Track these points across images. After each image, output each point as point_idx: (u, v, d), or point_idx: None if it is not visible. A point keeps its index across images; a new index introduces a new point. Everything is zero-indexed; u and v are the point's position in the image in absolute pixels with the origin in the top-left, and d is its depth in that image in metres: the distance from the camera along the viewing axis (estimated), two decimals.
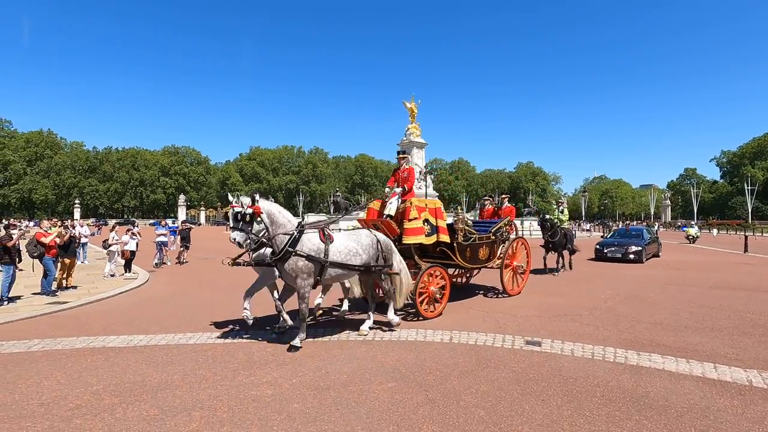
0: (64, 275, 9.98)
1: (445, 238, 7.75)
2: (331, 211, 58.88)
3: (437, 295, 7.29)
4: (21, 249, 9.21)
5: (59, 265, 9.76)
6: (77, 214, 69.85)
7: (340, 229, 7.64)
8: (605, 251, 16.87)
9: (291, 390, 4.25)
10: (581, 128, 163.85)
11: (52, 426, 3.50)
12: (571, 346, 5.67)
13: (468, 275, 10.37)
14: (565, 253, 13.40)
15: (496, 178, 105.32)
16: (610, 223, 62.11)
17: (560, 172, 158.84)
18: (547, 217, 13.64)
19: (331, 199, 63.28)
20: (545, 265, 12.77)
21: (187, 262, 16.01)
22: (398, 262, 6.66)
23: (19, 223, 21.92)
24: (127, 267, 12.52)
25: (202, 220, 78.44)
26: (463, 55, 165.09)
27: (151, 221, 61.52)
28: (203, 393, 4.17)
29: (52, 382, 4.41)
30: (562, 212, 13.50)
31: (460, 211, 7.66)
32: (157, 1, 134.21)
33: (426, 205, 7.59)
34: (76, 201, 75.81)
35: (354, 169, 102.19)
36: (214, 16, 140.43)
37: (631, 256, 16.08)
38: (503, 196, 10.79)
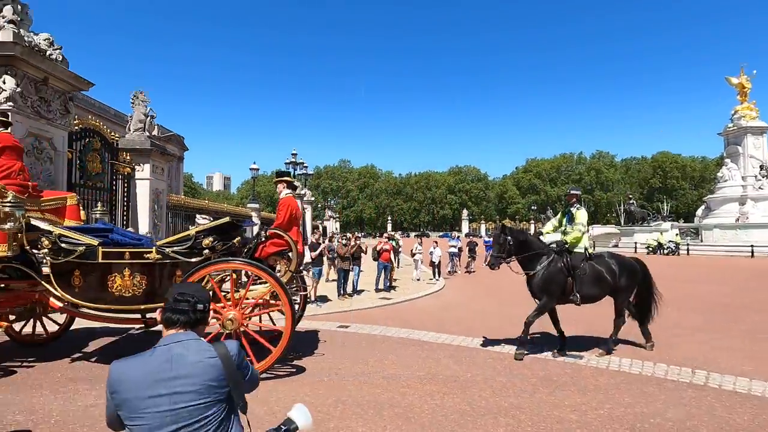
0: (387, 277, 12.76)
1: None
2: (622, 221, 51.08)
3: None
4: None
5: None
6: (389, 228, 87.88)
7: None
8: None
9: (598, 421, 3.88)
10: None
11: (392, 398, 4.44)
12: None
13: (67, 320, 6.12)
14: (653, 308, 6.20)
15: None
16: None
17: None
18: (508, 225, 6.86)
19: (621, 208, 55.04)
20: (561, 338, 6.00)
21: (474, 271, 17.45)
22: None
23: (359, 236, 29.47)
24: (436, 273, 15.09)
25: (482, 232, 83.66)
26: None
27: (440, 233, 71.57)
28: (505, 401, 4.36)
29: (389, 362, 5.62)
30: (569, 220, 6.20)
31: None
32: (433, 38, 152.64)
33: None
34: (389, 218, 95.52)
35: (651, 171, 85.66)
36: (478, 40, 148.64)
37: None
38: (276, 179, 6.06)
